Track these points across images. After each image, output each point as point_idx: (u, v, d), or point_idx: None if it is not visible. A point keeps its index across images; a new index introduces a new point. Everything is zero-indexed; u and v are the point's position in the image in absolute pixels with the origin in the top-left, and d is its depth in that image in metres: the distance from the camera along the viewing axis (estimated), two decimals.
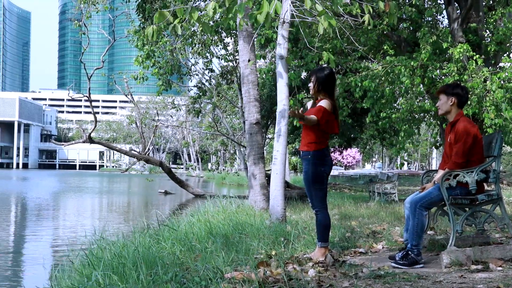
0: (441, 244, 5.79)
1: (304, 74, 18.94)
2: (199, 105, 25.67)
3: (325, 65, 14.73)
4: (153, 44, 19.32)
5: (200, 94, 24.23)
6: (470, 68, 13.21)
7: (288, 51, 8.37)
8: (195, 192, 26.24)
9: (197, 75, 24.71)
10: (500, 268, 4.74)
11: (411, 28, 15.43)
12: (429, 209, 5.30)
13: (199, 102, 25.03)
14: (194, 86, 25.24)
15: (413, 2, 14.18)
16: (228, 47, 23.52)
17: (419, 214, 5.13)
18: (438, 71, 13.80)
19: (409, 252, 5.11)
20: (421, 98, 14.96)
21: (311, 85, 5.58)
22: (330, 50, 14.15)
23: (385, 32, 14.73)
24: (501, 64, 15.17)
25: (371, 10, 7.09)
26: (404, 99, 14.16)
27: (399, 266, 5.03)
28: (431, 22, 15.72)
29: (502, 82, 13.13)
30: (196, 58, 24.08)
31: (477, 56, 13.42)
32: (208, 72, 24.69)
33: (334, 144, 33.92)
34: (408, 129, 14.09)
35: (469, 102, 13.19)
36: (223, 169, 44.32)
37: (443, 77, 13.87)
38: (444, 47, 13.52)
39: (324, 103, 5.41)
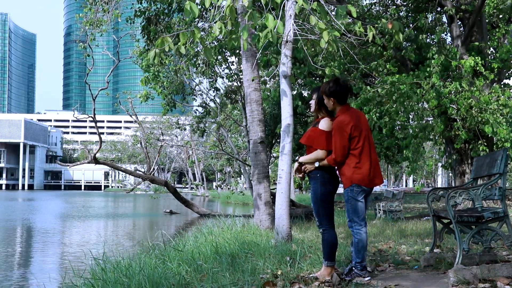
0: (448, 262, 5.75)
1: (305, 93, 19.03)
2: (204, 125, 25.72)
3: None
4: (158, 65, 19.45)
5: (205, 114, 24.27)
6: (480, 84, 13.12)
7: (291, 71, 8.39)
8: (200, 212, 26.19)
9: (201, 94, 24.78)
10: (508, 287, 4.70)
11: (415, 47, 15.42)
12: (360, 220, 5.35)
13: (204, 121, 25.11)
14: (199, 106, 25.32)
15: (418, 25, 14.18)
16: (232, 66, 23.62)
17: (355, 232, 5.35)
18: (444, 88, 13.67)
19: (353, 268, 5.31)
20: (431, 117, 14.83)
21: (312, 102, 5.58)
22: (337, 67, 14.15)
23: (389, 56, 14.74)
24: (505, 81, 15.14)
25: (374, 31, 7.13)
26: (417, 118, 13.98)
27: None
28: (435, 41, 15.71)
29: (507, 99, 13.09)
30: (200, 78, 24.19)
31: (487, 72, 13.33)
32: (213, 91, 24.76)
33: None
34: (420, 149, 13.90)
35: (480, 119, 13.04)
36: (229, 187, 44.06)
37: (452, 94, 13.69)
38: (454, 65, 13.41)
39: (323, 124, 5.41)
